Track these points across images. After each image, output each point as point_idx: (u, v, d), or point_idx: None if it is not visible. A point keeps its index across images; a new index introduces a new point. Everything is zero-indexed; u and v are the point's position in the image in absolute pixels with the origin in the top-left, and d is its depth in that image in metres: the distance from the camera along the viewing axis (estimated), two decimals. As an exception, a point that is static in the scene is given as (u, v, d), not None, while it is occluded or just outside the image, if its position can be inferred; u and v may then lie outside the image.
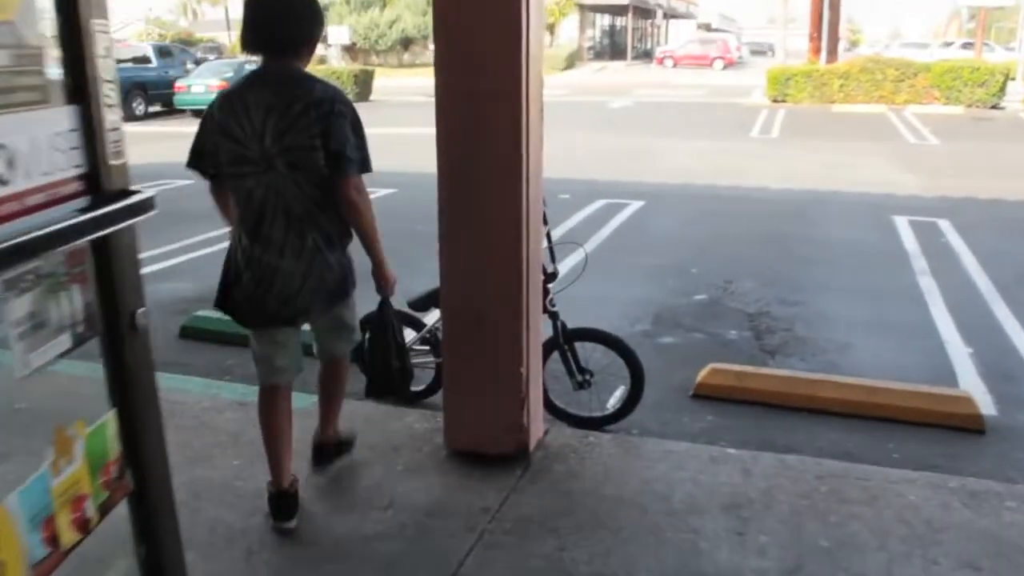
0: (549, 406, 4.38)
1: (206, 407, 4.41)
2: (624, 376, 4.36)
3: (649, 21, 58.35)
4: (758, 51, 50.48)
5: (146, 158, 15.69)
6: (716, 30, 58.02)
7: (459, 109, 3.42)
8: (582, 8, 47.67)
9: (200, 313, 6.11)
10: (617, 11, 52.41)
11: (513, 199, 3.40)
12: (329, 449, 3.62)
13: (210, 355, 5.62)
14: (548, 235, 4.12)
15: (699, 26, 62.01)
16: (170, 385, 4.71)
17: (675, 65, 43.94)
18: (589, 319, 6.10)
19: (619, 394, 4.56)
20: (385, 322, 3.27)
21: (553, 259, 4.27)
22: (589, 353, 4.41)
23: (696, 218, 9.72)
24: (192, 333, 5.96)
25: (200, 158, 3.01)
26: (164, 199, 8.72)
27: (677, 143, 16.35)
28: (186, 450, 3.94)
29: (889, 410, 4.45)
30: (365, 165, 2.99)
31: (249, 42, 2.94)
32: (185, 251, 8.47)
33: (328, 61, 34.59)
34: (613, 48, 53.46)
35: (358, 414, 4.16)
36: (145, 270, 6.70)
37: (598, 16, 54.09)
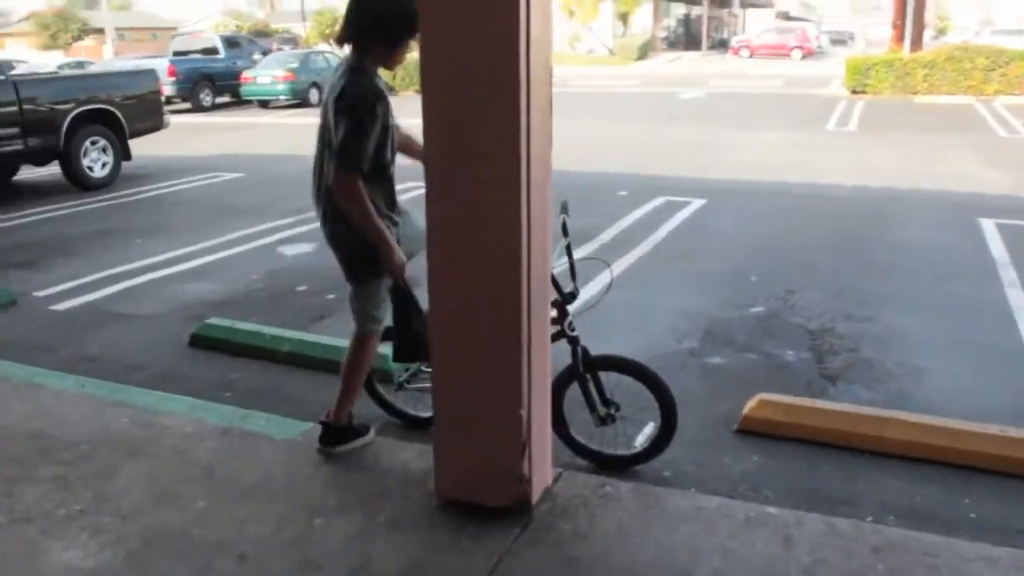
0: (569, 441, 3.88)
1: (187, 433, 3.97)
2: (654, 410, 3.78)
3: (726, 10, 56.85)
4: (839, 40, 48.63)
5: (205, 149, 15.61)
6: (795, 19, 56.19)
7: (445, 102, 2.89)
8: (656, -4, 46.65)
9: (212, 321, 5.71)
10: (692, 0, 51.17)
11: (510, 211, 2.85)
12: (329, 430, 3.66)
13: (217, 367, 5.21)
14: (568, 249, 3.68)
15: (777, 15, 60.16)
16: (154, 405, 4.30)
17: (751, 55, 42.66)
18: (631, 332, 5.59)
19: (648, 431, 3.99)
20: (400, 288, 3.36)
21: (574, 277, 3.72)
22: (615, 383, 3.84)
23: (761, 218, 9.03)
24: (202, 342, 5.56)
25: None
26: (212, 192, 8.45)
27: (747, 136, 15.57)
28: (152, 485, 3.50)
29: (969, 456, 3.79)
30: (350, 163, 3.08)
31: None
32: (223, 248, 8.14)
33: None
34: (688, 38, 52.22)
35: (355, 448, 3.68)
36: (175, 269, 6.34)
37: (673, 5, 52.88)
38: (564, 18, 44.05)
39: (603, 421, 3.78)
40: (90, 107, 11.49)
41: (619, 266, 7.23)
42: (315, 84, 24.21)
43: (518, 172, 2.88)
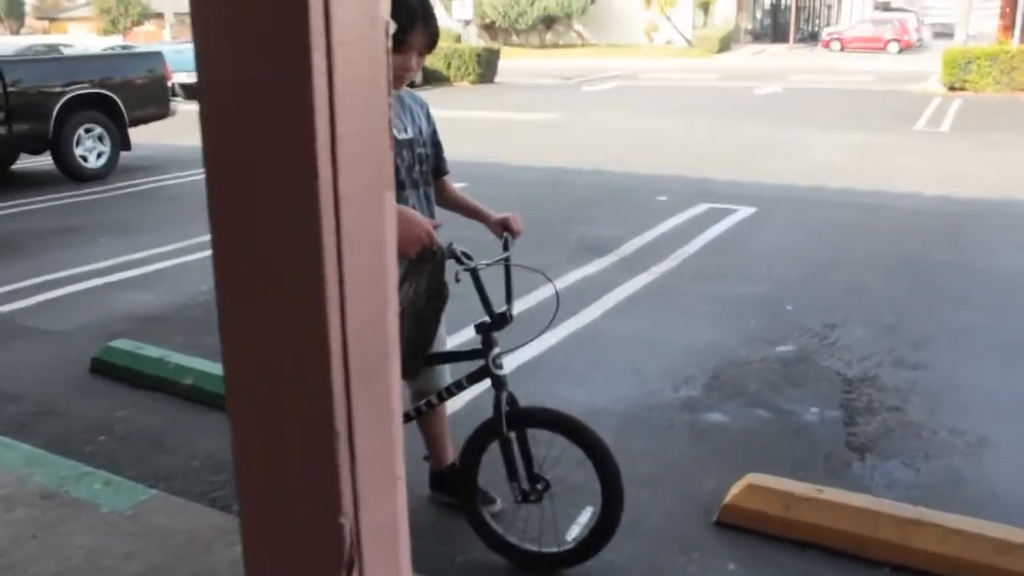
0: (479, 527, 3.11)
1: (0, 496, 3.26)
2: (596, 490, 2.95)
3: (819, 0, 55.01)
4: (943, 33, 46.39)
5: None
6: (896, 9, 54.04)
7: (225, 106, 2.06)
8: (741, -17, 45.21)
9: (116, 344, 5.02)
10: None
11: (308, 242, 2.02)
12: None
13: (106, 401, 4.52)
14: (507, 267, 3.04)
15: (876, 5, 58.03)
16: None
17: (843, 48, 40.96)
18: (619, 373, 4.77)
19: (585, 520, 3.16)
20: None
21: (509, 298, 3.01)
22: (551, 444, 3.01)
23: (815, 232, 8.07)
24: (103, 368, 4.88)
25: None
26: (193, 191, 7.63)
27: (821, 136, 14.49)
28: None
29: (1027, 584, 2.84)
30: None
31: None
32: (186, 252, 7.49)
33: (463, 39, 33.78)
34: (776, 30, 50.59)
35: (186, 528, 2.92)
36: (122, 275, 5.60)
37: (760, -6, 51.39)
38: (640, 6, 43.12)
39: (526, 498, 3.04)
40: (84, 91, 11.01)
41: (631, 287, 6.41)
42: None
43: (314, 183, 2.03)
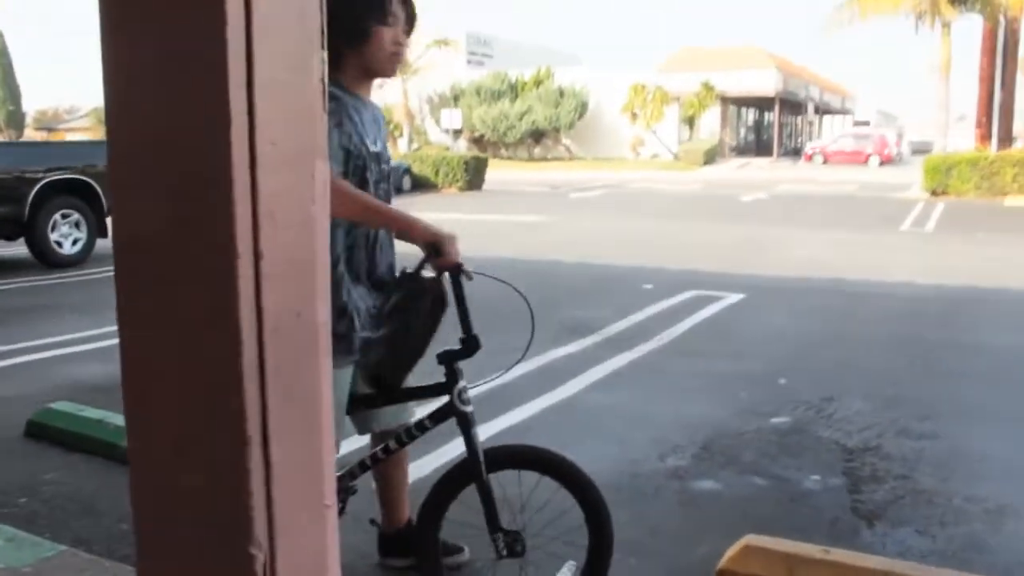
0: None
1: None
2: (581, 542, 2.54)
3: (800, 116, 56.22)
4: (921, 150, 47.32)
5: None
6: (876, 127, 55.26)
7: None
8: (725, 101, 46.06)
9: (54, 406, 4.60)
10: (763, 104, 50.61)
11: (217, 209, 1.67)
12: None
13: (35, 464, 4.11)
14: (458, 294, 2.60)
15: (855, 123, 59.44)
16: None
17: (825, 161, 41.63)
18: (601, 442, 4.40)
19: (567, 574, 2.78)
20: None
21: (467, 324, 2.60)
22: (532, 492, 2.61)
23: (805, 316, 7.80)
24: (39, 431, 4.46)
25: None
26: None
27: (808, 234, 14.38)
28: None
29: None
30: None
31: None
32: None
33: (452, 150, 34.13)
34: (759, 144, 51.58)
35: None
36: (77, 349, 5.12)
37: (743, 111, 52.50)
38: (627, 121, 43.90)
39: (509, 550, 2.65)
40: (62, 177, 10.80)
41: (615, 363, 6.07)
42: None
43: (226, 134, 1.69)
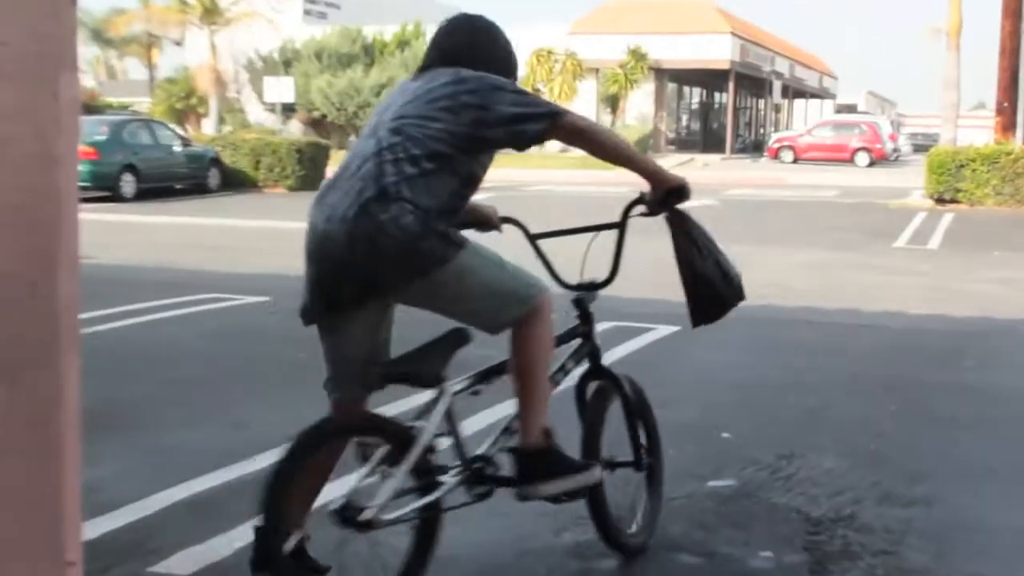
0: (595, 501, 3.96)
1: None
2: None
3: (763, 99, 58.01)
4: (924, 146, 49.44)
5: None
6: (864, 113, 57.50)
7: None
8: (660, 75, 47.14)
9: None
10: (713, 81, 52.01)
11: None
12: (527, 459, 3.77)
13: None
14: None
15: (839, 108, 61.65)
16: None
17: (796, 159, 43.05)
18: (484, 515, 4.46)
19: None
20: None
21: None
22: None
23: (763, 351, 8.13)
24: None
25: None
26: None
27: (770, 253, 14.84)
28: None
29: None
30: (546, 107, 3.85)
31: None
32: None
33: (281, 135, 33.88)
34: (707, 134, 52.90)
35: None
36: None
37: (686, 88, 53.85)
38: (527, 101, 44.56)
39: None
40: None
41: (503, 411, 6.07)
42: (131, 168, 23.47)
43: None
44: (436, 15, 37.95)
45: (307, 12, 51.24)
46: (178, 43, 54.21)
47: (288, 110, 40.75)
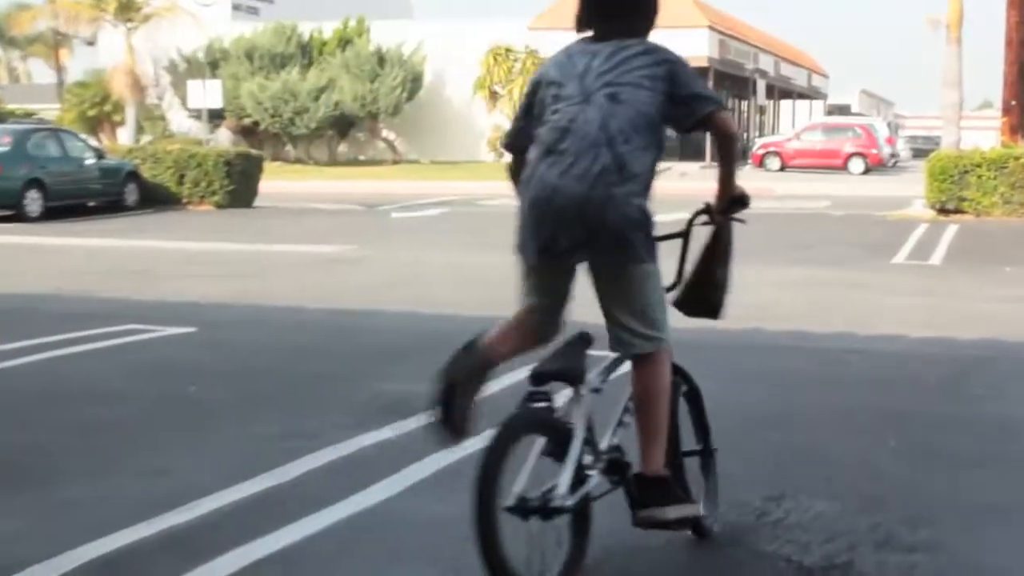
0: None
1: None
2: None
3: (746, 100, 58.40)
4: (925, 150, 49.76)
5: None
6: (857, 115, 58.00)
7: None
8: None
9: None
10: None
11: None
12: (651, 484, 4.40)
13: None
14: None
15: (830, 109, 62.13)
16: None
17: (784, 167, 43.41)
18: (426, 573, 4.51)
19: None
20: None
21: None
22: None
23: (747, 382, 8.24)
24: None
25: None
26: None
27: (756, 271, 14.76)
28: None
29: None
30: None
31: None
32: None
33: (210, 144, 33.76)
34: (684, 141, 53.04)
35: None
36: None
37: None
38: (482, 105, 44.59)
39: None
40: None
41: (451, 455, 6.13)
42: (37, 183, 23.31)
43: None
44: (381, 9, 38.05)
45: (236, 7, 51.43)
46: (90, 43, 53.98)
47: (215, 117, 40.81)
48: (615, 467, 4.46)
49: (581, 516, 4.27)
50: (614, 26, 4.49)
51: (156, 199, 25.94)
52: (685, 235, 4.77)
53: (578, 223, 4.24)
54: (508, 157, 4.78)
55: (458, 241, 19.25)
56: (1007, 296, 12.74)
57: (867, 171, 42.33)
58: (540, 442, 4.18)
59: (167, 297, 12.44)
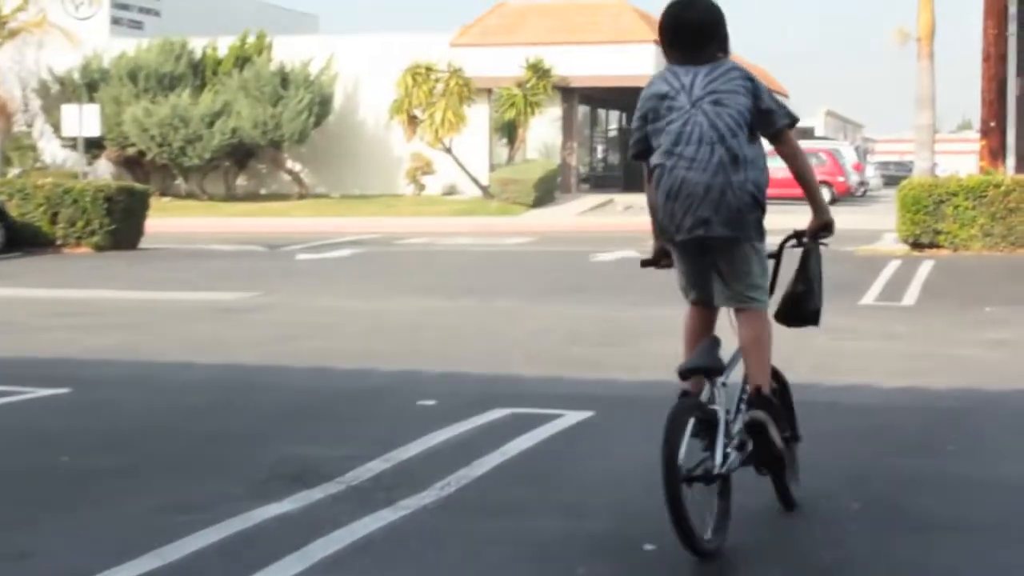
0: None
1: None
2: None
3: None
4: (897, 177, 50.35)
5: None
6: (823, 139, 58.61)
7: None
8: (569, 95, 47.41)
9: None
10: (634, 101, 51.49)
11: None
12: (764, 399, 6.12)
13: None
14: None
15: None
16: None
17: (740, 198, 43.66)
18: None
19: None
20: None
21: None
22: None
23: None
24: None
25: None
26: None
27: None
28: None
29: None
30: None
31: None
32: None
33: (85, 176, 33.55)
34: (628, 172, 53.39)
35: None
36: None
37: (601, 112, 54.41)
38: (400, 132, 44.41)
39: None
40: None
41: (362, 528, 6.25)
42: None
43: None
44: (284, 24, 38.04)
45: (116, 20, 50.97)
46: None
47: (94, 146, 40.57)
48: (742, 446, 5.88)
49: (726, 483, 5.77)
50: (704, 53, 6.04)
51: (25, 241, 25.74)
52: (777, 256, 6.26)
53: (704, 204, 5.79)
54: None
55: (373, 286, 19.37)
56: (987, 340, 12.93)
57: (833, 201, 42.54)
58: (691, 425, 5.63)
59: (37, 354, 12.40)
